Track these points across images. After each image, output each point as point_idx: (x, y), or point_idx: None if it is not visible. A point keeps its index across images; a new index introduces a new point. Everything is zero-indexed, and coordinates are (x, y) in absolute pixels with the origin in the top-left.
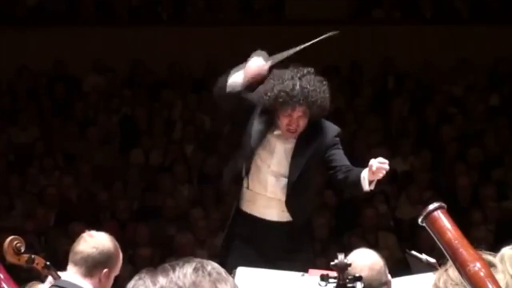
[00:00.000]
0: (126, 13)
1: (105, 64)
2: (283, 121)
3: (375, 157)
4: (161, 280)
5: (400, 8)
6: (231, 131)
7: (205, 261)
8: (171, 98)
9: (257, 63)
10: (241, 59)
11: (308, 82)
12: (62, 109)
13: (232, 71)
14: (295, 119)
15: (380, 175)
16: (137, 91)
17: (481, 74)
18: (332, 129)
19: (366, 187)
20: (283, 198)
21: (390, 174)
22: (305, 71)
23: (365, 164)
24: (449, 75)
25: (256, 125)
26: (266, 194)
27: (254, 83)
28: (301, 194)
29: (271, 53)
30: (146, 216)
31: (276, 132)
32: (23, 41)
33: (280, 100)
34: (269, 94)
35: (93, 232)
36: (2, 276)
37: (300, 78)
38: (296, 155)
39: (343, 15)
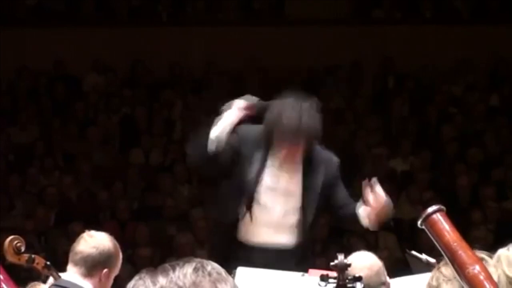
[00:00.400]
0: (126, 13)
1: (105, 64)
2: (281, 150)
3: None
4: (161, 280)
5: (400, 8)
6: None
7: (205, 261)
8: (171, 98)
9: (241, 104)
10: (241, 59)
11: (308, 117)
12: (62, 109)
13: (201, 134)
14: (292, 152)
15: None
16: (137, 91)
17: (481, 74)
18: (333, 159)
19: (366, 224)
20: (291, 226)
21: (390, 174)
22: (304, 105)
23: (365, 164)
24: (449, 75)
25: (252, 167)
26: (272, 224)
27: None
28: (311, 221)
29: (271, 53)
30: (146, 216)
31: (277, 166)
32: (23, 41)
33: (281, 134)
34: (271, 123)
35: (93, 232)
36: (1, 277)
37: (300, 113)
38: (307, 190)
39: (343, 15)
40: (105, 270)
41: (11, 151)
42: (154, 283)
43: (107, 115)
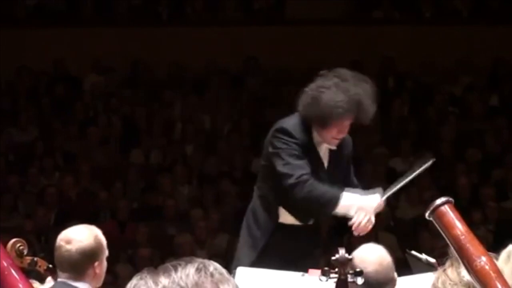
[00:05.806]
0: (126, 13)
1: (105, 64)
2: (332, 131)
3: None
4: (163, 280)
5: (400, 8)
6: (231, 131)
7: (207, 262)
8: (171, 98)
9: (376, 202)
10: (241, 59)
11: (356, 87)
12: (62, 109)
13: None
14: (345, 126)
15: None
16: (137, 91)
17: (481, 74)
18: (350, 140)
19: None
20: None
21: (390, 174)
22: (349, 75)
23: (365, 164)
24: (449, 75)
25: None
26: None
27: None
28: None
29: (271, 53)
30: (146, 216)
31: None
32: (23, 41)
33: (339, 111)
34: (327, 107)
35: (69, 235)
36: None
37: (353, 84)
38: (331, 165)
39: (343, 15)
40: (96, 264)
41: (11, 151)
42: (156, 284)
43: (107, 115)
